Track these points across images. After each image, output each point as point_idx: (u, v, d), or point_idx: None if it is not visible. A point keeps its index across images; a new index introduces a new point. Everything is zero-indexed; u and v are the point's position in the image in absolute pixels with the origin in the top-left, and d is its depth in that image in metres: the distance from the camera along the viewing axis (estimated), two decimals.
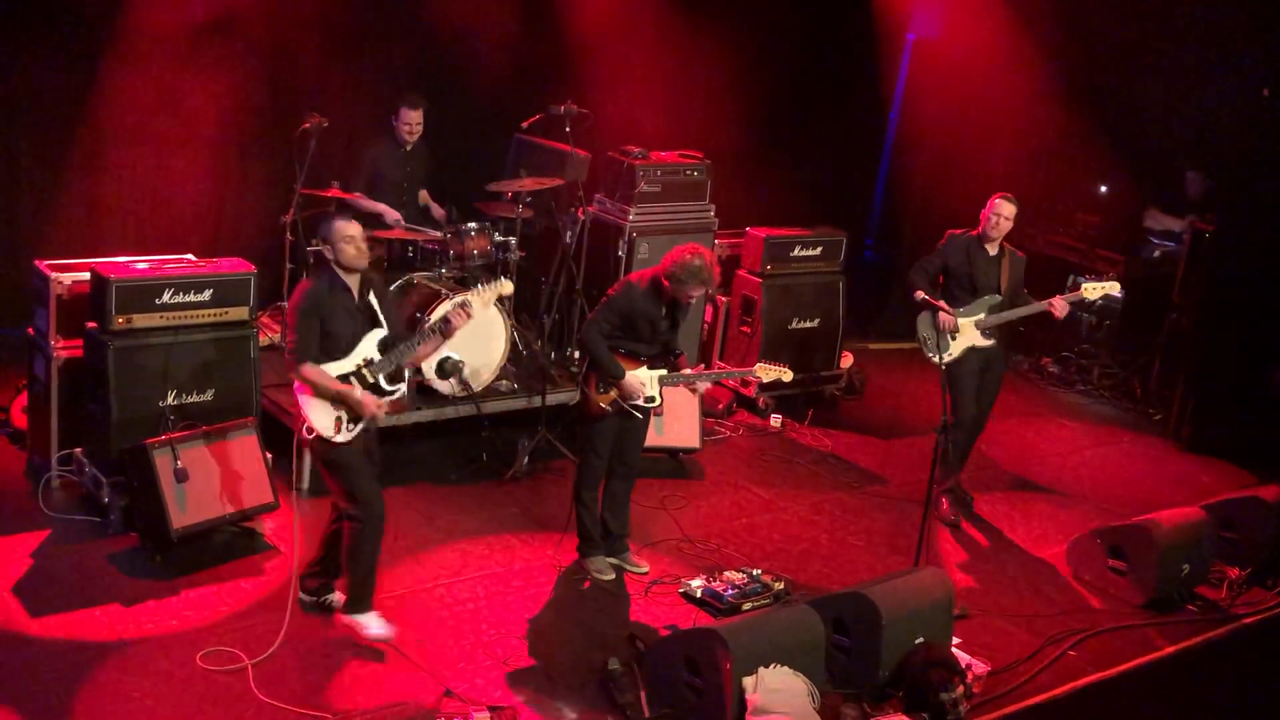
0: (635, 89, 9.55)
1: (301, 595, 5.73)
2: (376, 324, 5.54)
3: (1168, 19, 10.23)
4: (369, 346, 5.50)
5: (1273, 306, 8.83)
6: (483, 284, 5.71)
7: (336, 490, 5.55)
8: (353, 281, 5.46)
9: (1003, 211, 7.21)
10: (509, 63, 9.41)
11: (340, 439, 5.41)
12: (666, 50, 9.87)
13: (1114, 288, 7.42)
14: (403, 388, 5.62)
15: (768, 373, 6.51)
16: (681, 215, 8.62)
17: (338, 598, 5.71)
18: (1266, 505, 7.22)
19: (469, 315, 5.55)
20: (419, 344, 5.60)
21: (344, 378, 5.41)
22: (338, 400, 5.39)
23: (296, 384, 5.42)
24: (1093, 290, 7.39)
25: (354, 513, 5.50)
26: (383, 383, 5.49)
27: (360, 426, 5.45)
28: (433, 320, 5.71)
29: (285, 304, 7.67)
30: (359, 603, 5.61)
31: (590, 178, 8.57)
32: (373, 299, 5.53)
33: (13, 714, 4.93)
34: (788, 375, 6.52)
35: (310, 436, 5.40)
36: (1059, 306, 7.27)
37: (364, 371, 5.45)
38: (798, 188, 10.74)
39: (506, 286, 5.79)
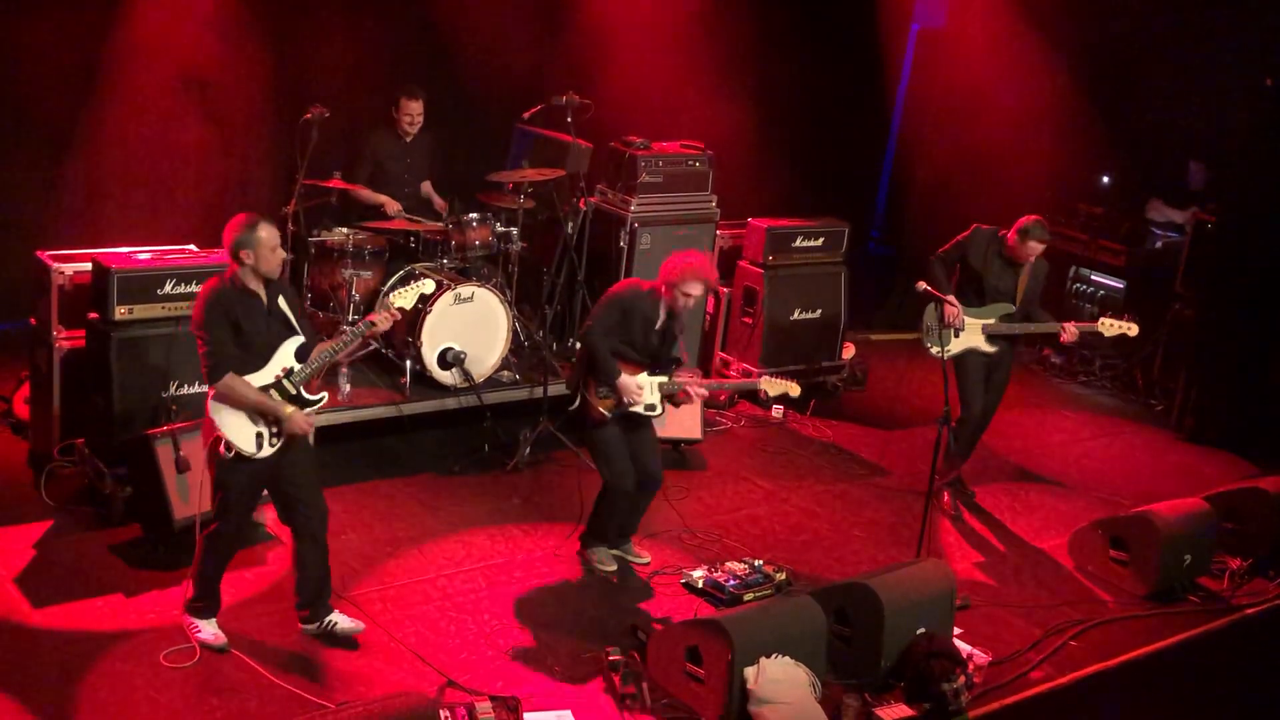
0: (637, 79, 9.54)
1: (304, 628, 5.57)
2: (292, 331, 5.28)
3: (1171, 9, 10.21)
4: (286, 355, 5.25)
5: (1275, 297, 8.81)
6: (405, 286, 5.56)
7: (214, 498, 5.31)
8: (259, 288, 5.21)
9: (1027, 251, 7.12)
10: (510, 53, 9.40)
11: (262, 455, 5.19)
12: (669, 40, 9.86)
13: (1132, 329, 7.27)
14: (324, 396, 5.41)
15: (774, 386, 6.40)
16: (683, 206, 8.61)
17: (336, 619, 5.56)
18: (1268, 496, 7.21)
19: (395, 317, 5.45)
20: (343, 348, 5.44)
21: (264, 389, 5.18)
22: (258, 413, 5.17)
23: (211, 394, 5.15)
24: (1110, 328, 7.25)
25: (213, 526, 5.32)
26: (304, 392, 5.29)
27: (282, 442, 5.24)
28: (361, 324, 5.44)
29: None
30: (200, 608, 5.43)
31: (592, 168, 8.56)
32: (283, 305, 5.27)
33: (16, 704, 4.94)
34: (795, 389, 6.41)
35: (229, 455, 5.14)
36: (1070, 333, 7.19)
37: (284, 382, 5.21)
38: (801, 179, 10.73)
39: (427, 285, 5.60)
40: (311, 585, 5.54)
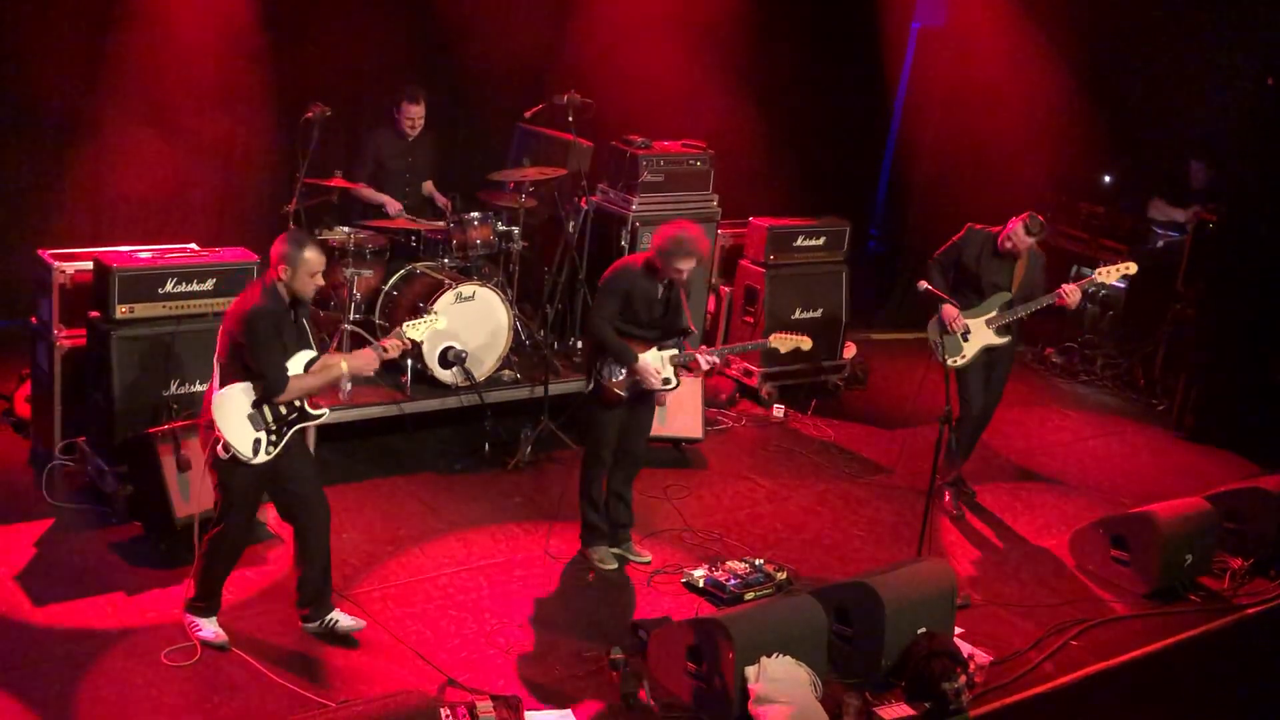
0: (638, 78, 9.53)
1: (306, 627, 5.59)
2: (307, 344, 5.36)
3: (1173, 8, 10.20)
4: (297, 366, 5.30)
5: (1276, 296, 8.81)
6: (418, 318, 5.64)
7: (216, 501, 5.36)
8: (288, 300, 5.29)
9: (1019, 240, 7.09)
10: (512, 52, 9.40)
11: (257, 461, 5.23)
12: (670, 39, 9.84)
13: (1130, 268, 7.26)
14: (326, 412, 5.47)
15: (785, 342, 6.43)
16: (684, 205, 8.60)
17: (337, 616, 5.58)
18: (1269, 496, 7.21)
19: (405, 347, 5.54)
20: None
21: (270, 400, 5.22)
22: (257, 418, 5.19)
23: (212, 398, 5.20)
24: (1109, 274, 7.24)
25: (217, 528, 5.35)
26: (306, 406, 5.35)
27: (279, 449, 5.27)
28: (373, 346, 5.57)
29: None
30: (202, 608, 5.44)
31: (593, 167, 8.56)
32: (304, 320, 5.38)
33: (17, 702, 4.94)
34: (807, 343, 6.43)
35: (225, 456, 5.20)
36: (1070, 293, 7.13)
37: None
38: (801, 177, 10.72)
39: (440, 322, 5.68)
40: (313, 584, 5.55)
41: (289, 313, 5.26)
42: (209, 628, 5.42)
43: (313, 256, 5.18)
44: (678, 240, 6.06)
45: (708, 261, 6.29)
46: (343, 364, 5.33)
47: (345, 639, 5.55)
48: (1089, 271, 10.21)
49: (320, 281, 5.27)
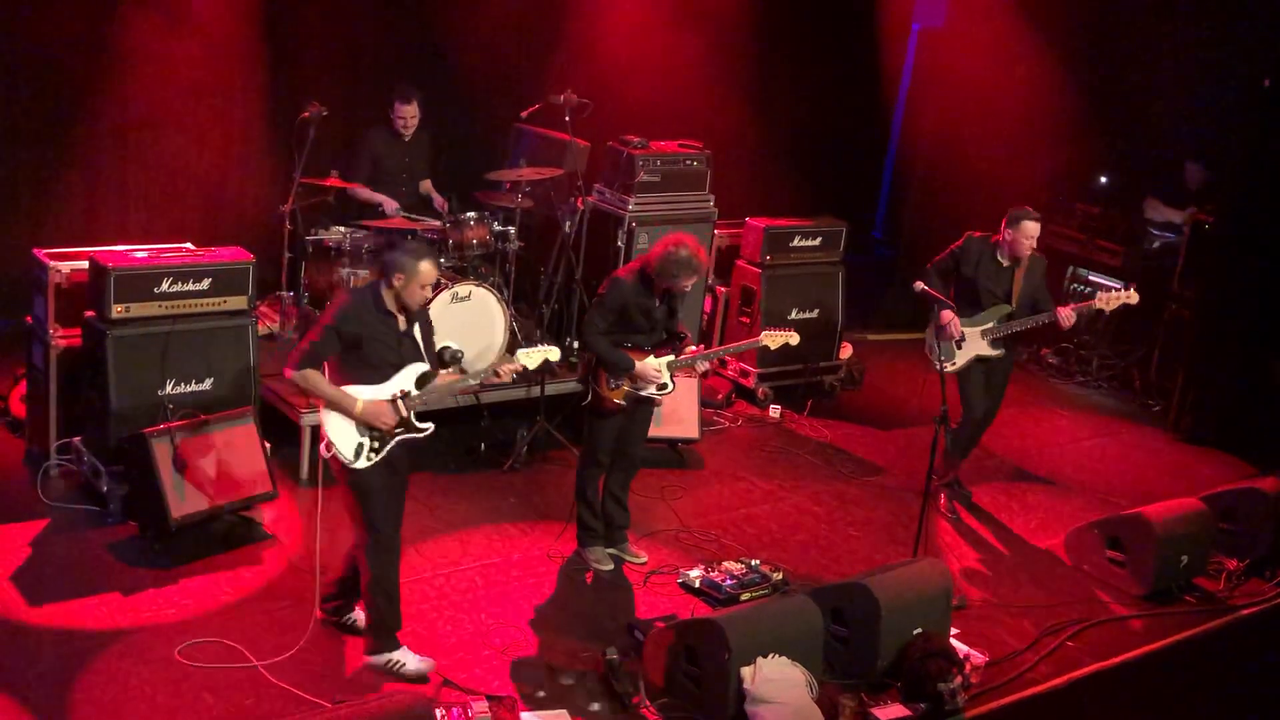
0: (635, 78, 9.54)
1: (324, 616, 5.59)
2: (419, 358, 5.35)
3: (1170, 9, 10.21)
4: (407, 379, 5.30)
5: (1273, 298, 8.82)
6: (535, 347, 5.61)
7: (353, 514, 5.34)
8: (397, 311, 5.25)
9: (1030, 232, 7.06)
10: (509, 51, 9.40)
11: (358, 465, 5.21)
12: (667, 39, 9.85)
13: (1133, 297, 7.23)
14: (431, 427, 5.41)
15: (774, 339, 6.55)
16: (681, 205, 8.61)
17: (358, 616, 5.60)
18: (1265, 497, 7.22)
19: (517, 370, 5.54)
20: (461, 386, 5.58)
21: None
22: (363, 422, 5.19)
23: (321, 402, 5.23)
24: (1110, 301, 7.21)
25: (366, 541, 5.29)
26: (414, 420, 5.34)
27: (381, 456, 5.26)
28: (484, 367, 5.57)
29: (285, 294, 7.68)
30: (386, 638, 5.38)
31: (590, 167, 8.56)
32: (417, 332, 5.35)
33: (12, 702, 4.94)
34: (794, 338, 6.57)
35: (328, 455, 5.21)
36: (1066, 316, 7.13)
37: (399, 404, 5.27)
38: (801, 179, 10.74)
39: (553, 353, 5.65)
40: (351, 580, 5.53)
41: (389, 318, 5.22)
42: (409, 660, 5.34)
43: (426, 268, 5.17)
44: (682, 261, 6.05)
45: (705, 276, 6.36)
46: (359, 404, 5.19)
47: (352, 630, 5.59)
48: (1085, 273, 10.29)
49: (429, 294, 5.27)
